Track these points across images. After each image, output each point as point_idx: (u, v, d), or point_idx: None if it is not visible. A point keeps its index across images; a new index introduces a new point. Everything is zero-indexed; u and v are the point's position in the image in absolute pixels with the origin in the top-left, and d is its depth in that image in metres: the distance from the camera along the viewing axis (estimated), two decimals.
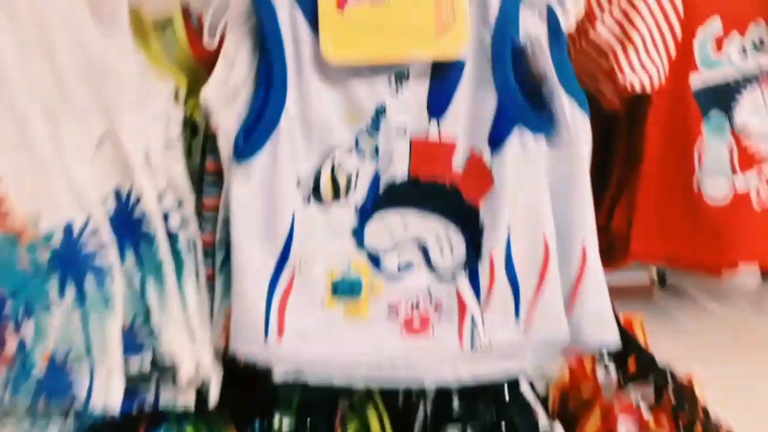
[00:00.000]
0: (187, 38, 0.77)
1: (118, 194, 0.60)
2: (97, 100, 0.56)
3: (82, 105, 0.55)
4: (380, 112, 0.60)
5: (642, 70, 0.73)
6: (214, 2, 0.58)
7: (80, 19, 0.54)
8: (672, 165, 0.79)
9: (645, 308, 0.95)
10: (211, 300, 0.66)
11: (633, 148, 0.80)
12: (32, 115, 0.55)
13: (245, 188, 0.59)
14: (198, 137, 0.75)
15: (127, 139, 0.57)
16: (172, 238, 0.63)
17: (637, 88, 0.74)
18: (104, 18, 0.58)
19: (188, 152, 0.77)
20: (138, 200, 0.59)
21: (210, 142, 0.65)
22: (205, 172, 0.67)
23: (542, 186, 0.59)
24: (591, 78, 0.78)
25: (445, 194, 0.62)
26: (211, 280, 0.68)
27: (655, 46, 0.73)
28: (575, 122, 0.58)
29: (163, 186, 0.62)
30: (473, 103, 0.59)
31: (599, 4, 0.75)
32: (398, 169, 0.62)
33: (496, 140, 0.58)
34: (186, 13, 0.77)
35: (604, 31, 0.75)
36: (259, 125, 0.58)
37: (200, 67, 0.72)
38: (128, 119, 0.57)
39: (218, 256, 0.67)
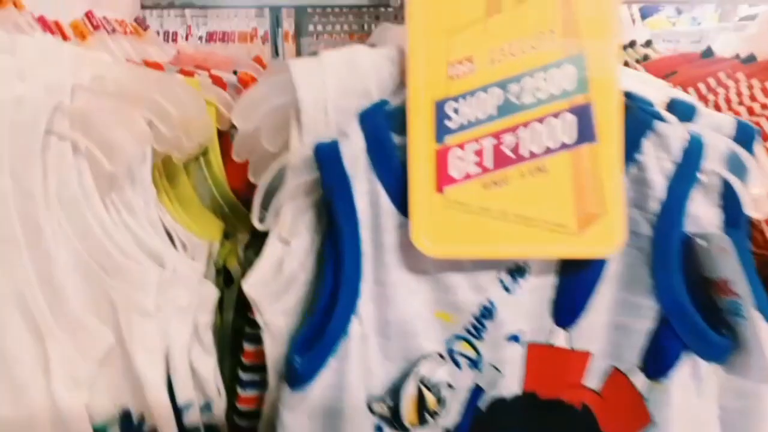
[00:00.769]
0: (224, 169, 0.66)
1: (126, 419, 0.44)
2: (102, 306, 0.40)
3: (78, 312, 0.40)
4: (486, 314, 0.44)
5: None
6: (269, 170, 0.43)
7: (83, 196, 0.39)
8: None
9: None
10: None
11: None
12: (11, 326, 0.39)
13: (298, 416, 0.43)
14: (233, 288, 0.65)
15: (139, 350, 0.41)
16: None
17: None
18: (120, 182, 0.43)
19: (220, 306, 0.64)
20: (153, 431, 0.43)
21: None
22: (241, 362, 0.52)
23: (714, 426, 0.42)
24: None
25: (574, 420, 0.45)
26: None
27: None
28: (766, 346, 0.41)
29: (185, 398, 0.46)
30: (620, 313, 0.42)
31: None
32: (508, 383, 0.46)
33: (657, 367, 0.41)
34: (223, 137, 0.65)
35: None
36: (321, 336, 0.42)
37: (238, 201, 0.63)
38: (142, 325, 0.41)
39: None
